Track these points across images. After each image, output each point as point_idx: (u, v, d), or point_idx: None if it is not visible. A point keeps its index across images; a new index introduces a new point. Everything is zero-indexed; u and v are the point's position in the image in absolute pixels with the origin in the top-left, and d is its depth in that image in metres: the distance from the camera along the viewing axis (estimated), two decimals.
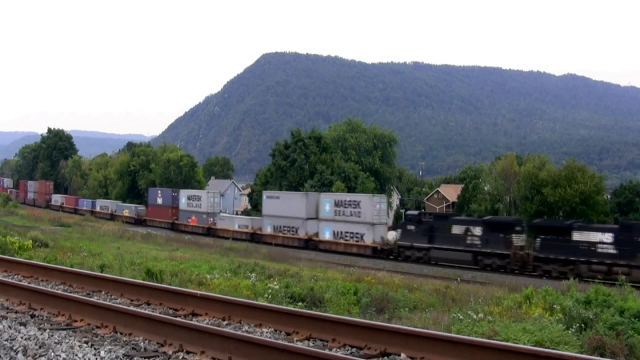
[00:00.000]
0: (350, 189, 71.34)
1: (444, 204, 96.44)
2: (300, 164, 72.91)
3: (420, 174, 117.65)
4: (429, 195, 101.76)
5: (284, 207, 53.93)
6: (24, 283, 11.91)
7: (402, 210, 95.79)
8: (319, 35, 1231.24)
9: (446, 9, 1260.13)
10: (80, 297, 9.81)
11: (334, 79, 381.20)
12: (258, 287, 19.45)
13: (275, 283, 19.76)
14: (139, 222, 73.20)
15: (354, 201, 49.03)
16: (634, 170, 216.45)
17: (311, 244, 50.88)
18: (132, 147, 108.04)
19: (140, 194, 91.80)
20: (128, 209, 78.67)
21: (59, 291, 10.92)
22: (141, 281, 12.79)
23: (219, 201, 66.59)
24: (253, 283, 20.57)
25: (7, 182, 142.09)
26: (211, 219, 62.54)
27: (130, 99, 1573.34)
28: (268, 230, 55.18)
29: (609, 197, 69.73)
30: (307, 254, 47.79)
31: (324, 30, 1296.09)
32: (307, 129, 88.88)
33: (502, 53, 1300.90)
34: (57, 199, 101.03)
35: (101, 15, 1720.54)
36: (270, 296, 17.46)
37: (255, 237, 55.74)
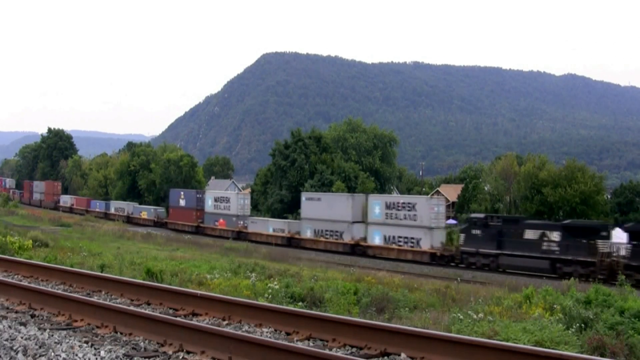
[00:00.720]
0: (350, 189, 71.34)
1: (444, 204, 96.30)
2: (301, 163, 72.91)
3: (420, 173, 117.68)
4: (429, 195, 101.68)
5: (327, 209, 50.27)
6: (24, 283, 11.91)
7: None
8: (319, 35, 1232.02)
9: (446, 9, 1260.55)
10: (81, 297, 9.81)
11: (334, 79, 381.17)
12: (258, 287, 19.45)
13: (275, 283, 19.76)
14: (159, 225, 69.77)
15: (409, 203, 45.30)
16: (634, 170, 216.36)
17: (358, 249, 47.38)
18: (132, 147, 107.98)
19: (140, 194, 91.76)
20: (147, 212, 75.15)
21: (59, 291, 10.92)
22: (141, 281, 12.79)
23: (249, 203, 63.09)
24: (253, 283, 20.57)
25: (10, 182, 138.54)
26: (241, 222, 58.90)
27: (131, 98, 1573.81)
28: (308, 234, 51.71)
29: (609, 197, 69.75)
30: (308, 254, 47.68)
31: (324, 30, 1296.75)
32: (307, 128, 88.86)
33: (502, 53, 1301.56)
34: (66, 200, 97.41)
35: (101, 15, 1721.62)
36: (270, 296, 17.47)
37: (292, 242, 52.47)
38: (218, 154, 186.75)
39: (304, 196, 54.66)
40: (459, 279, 31.59)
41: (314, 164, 73.18)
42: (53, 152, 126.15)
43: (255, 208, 78.97)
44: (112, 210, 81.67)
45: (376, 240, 46.63)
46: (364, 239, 47.74)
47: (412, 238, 44.13)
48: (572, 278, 26.02)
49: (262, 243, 52.93)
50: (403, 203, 45.73)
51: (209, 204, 62.72)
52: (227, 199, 61.28)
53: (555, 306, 17.66)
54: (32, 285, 11.59)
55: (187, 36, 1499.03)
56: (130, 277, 15.51)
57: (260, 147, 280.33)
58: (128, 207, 79.95)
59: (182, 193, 69.02)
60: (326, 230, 50.22)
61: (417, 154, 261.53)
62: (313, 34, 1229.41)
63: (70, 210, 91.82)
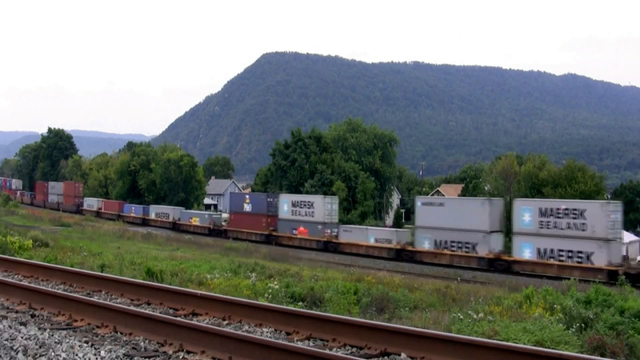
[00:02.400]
0: (351, 189, 71.42)
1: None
2: (301, 163, 72.92)
3: (421, 173, 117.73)
4: (429, 195, 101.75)
5: (453, 216, 42.71)
6: (24, 283, 11.91)
7: (402, 210, 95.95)
8: (319, 35, 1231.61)
9: (446, 9, 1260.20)
10: (81, 296, 9.81)
11: (334, 79, 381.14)
12: (258, 287, 19.45)
13: (275, 283, 19.78)
14: (215, 233, 61.62)
15: (575, 210, 37.39)
16: (634, 170, 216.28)
17: (499, 264, 39.87)
18: (132, 147, 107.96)
19: (140, 194, 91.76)
20: (199, 217, 67.23)
21: (59, 291, 10.92)
22: (141, 281, 12.78)
23: (337, 208, 54.31)
24: (253, 283, 20.58)
25: (16, 183, 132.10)
26: (329, 231, 51.34)
27: (131, 98, 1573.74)
28: (425, 246, 43.95)
29: (609, 197, 69.72)
30: (308, 253, 47.61)
31: (324, 30, 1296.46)
32: (308, 128, 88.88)
33: (502, 53, 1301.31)
34: (91, 203, 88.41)
35: (102, 15, 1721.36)
36: (270, 296, 17.47)
37: (403, 255, 44.90)
38: (218, 153, 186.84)
39: (419, 201, 46.79)
40: (459, 278, 31.58)
41: (314, 164, 73.19)
42: (53, 152, 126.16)
43: None
44: (153, 216, 73.55)
45: (526, 254, 39.04)
46: (508, 252, 40.61)
47: (580, 252, 36.68)
48: (572, 278, 26.00)
49: (359, 256, 46.02)
50: (566, 209, 37.84)
51: (285, 209, 55.05)
52: (310, 203, 53.28)
53: (555, 306, 17.67)
54: (33, 285, 11.59)
55: (187, 36, 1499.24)
56: (130, 277, 15.51)
57: (260, 147, 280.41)
58: (174, 212, 71.38)
59: (247, 197, 61.38)
60: (452, 242, 42.49)
61: (417, 153, 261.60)
62: (313, 34, 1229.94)
63: (98, 214, 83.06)
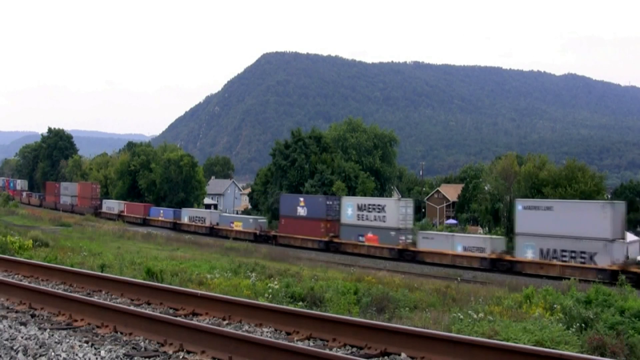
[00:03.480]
0: (351, 189, 71.35)
1: (445, 204, 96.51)
2: (301, 163, 72.89)
3: (421, 173, 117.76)
4: (430, 195, 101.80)
5: (564, 222, 37.78)
6: (25, 283, 11.90)
7: None
8: (319, 35, 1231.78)
9: (446, 9, 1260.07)
10: (81, 296, 9.81)
11: (334, 79, 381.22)
12: (258, 287, 19.46)
13: (275, 283, 19.78)
14: (263, 239, 56.63)
15: None
16: (634, 170, 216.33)
17: (629, 277, 33.07)
18: (132, 147, 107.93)
19: (140, 194, 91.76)
20: (242, 221, 61.57)
21: (60, 291, 10.91)
22: (141, 281, 12.79)
23: (412, 212, 49.31)
24: (253, 283, 20.58)
25: (21, 183, 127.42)
26: (404, 237, 46.43)
27: (131, 98, 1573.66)
28: (528, 255, 39.13)
29: (609, 196, 69.78)
30: (308, 253, 47.58)
31: (324, 30, 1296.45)
32: (308, 128, 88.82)
33: (502, 53, 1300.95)
34: (112, 205, 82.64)
35: (102, 15, 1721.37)
36: (270, 296, 17.47)
37: (500, 266, 40.09)
38: (218, 153, 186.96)
39: (519, 204, 41.47)
40: (459, 278, 31.60)
41: (314, 164, 73.16)
42: (53, 151, 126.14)
43: (256, 208, 79.02)
44: (186, 220, 67.99)
45: None
46: (637, 263, 36.29)
47: None
48: (572, 278, 25.99)
49: (443, 266, 41.71)
50: None
51: (349, 213, 49.77)
52: (381, 206, 47.90)
53: (555, 306, 17.67)
54: (33, 285, 11.58)
55: (188, 36, 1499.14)
56: (130, 277, 15.52)
57: (260, 147, 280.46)
58: (211, 215, 66.10)
59: (301, 199, 55.38)
60: (563, 251, 37.74)
61: (417, 153, 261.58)
62: (313, 34, 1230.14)
63: (119, 218, 77.17)
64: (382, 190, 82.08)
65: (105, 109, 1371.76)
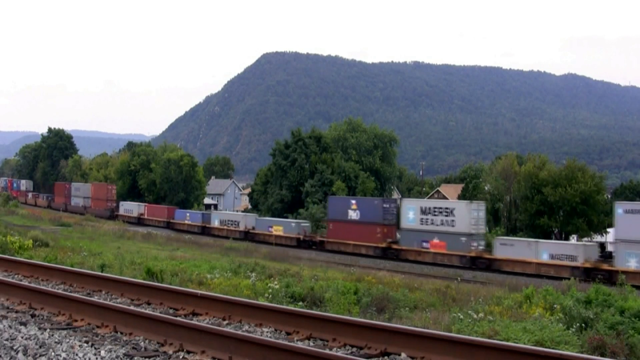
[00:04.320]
0: (351, 189, 71.39)
1: None
2: (301, 163, 72.95)
3: (421, 173, 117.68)
4: (430, 195, 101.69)
5: None
6: (25, 283, 11.91)
7: None
8: (319, 35, 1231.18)
9: (446, 9, 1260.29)
10: (81, 296, 9.81)
11: (334, 79, 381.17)
12: (258, 287, 19.47)
13: (275, 283, 19.79)
14: (308, 244, 53.06)
15: None
16: (634, 170, 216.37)
17: None
18: (132, 147, 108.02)
19: (140, 194, 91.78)
20: (282, 225, 56.89)
21: (60, 291, 10.92)
22: (141, 281, 12.79)
23: (484, 217, 45.29)
24: (253, 283, 20.59)
25: (26, 184, 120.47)
26: (476, 244, 42.60)
27: (131, 98, 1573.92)
28: (631, 265, 35.07)
29: (609, 196, 69.76)
30: (308, 253, 47.55)
31: (324, 30, 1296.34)
32: (308, 128, 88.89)
33: (502, 53, 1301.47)
34: (130, 207, 77.94)
35: (102, 14, 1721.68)
36: (270, 296, 17.48)
37: (595, 276, 35.44)
38: (218, 153, 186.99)
39: (620, 208, 37.14)
40: (459, 278, 31.60)
41: (314, 164, 73.21)
42: (53, 151, 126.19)
43: (256, 208, 79.04)
44: (216, 223, 63.38)
45: None
46: None
47: None
48: (572, 278, 25.97)
49: (525, 276, 37.37)
50: None
51: (410, 217, 45.88)
52: (449, 210, 43.97)
53: (555, 306, 17.68)
54: (33, 285, 11.59)
55: (188, 36, 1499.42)
56: (130, 277, 15.52)
57: (260, 147, 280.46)
58: (246, 219, 61.23)
59: (353, 202, 51.17)
60: None
61: (418, 153, 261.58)
62: (313, 34, 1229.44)
63: (139, 221, 72.75)
64: (382, 190, 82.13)
65: (105, 109, 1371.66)
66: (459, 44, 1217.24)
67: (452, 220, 43.21)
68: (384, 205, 48.42)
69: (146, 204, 78.75)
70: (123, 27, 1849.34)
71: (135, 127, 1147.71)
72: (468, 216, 42.83)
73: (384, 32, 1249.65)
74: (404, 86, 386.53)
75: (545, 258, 39.14)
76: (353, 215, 49.54)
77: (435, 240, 44.08)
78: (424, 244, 44.69)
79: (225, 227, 61.93)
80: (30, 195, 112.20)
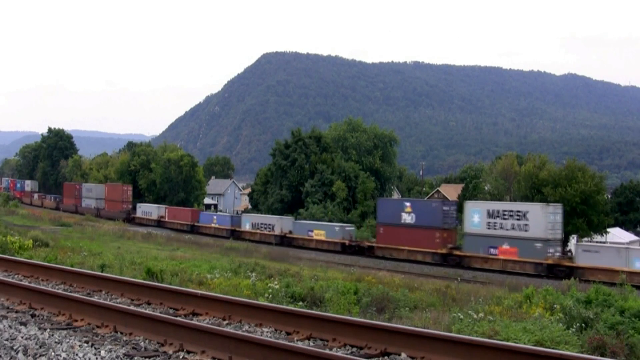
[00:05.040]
0: (351, 189, 71.41)
1: None
2: (301, 163, 72.96)
3: (421, 173, 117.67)
4: (430, 195, 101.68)
5: None
6: (25, 283, 11.91)
7: None
8: (319, 35, 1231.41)
9: (446, 9, 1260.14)
10: (81, 296, 9.81)
11: (334, 79, 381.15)
12: (258, 287, 19.47)
13: (275, 283, 19.79)
14: (354, 250, 49.25)
15: None
16: (634, 170, 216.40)
17: None
18: (132, 147, 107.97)
19: (140, 194, 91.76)
20: (325, 230, 52.52)
21: (60, 291, 10.92)
22: (141, 281, 12.80)
23: (561, 220, 41.51)
24: (253, 283, 20.60)
25: (32, 184, 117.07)
26: (552, 250, 39.21)
27: (131, 98, 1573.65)
28: None
29: (609, 196, 69.78)
30: (308, 253, 47.51)
31: (324, 30, 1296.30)
32: (308, 128, 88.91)
33: (502, 53, 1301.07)
34: (149, 209, 74.10)
35: (102, 14, 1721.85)
36: (270, 296, 17.49)
37: None
38: (218, 153, 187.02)
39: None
40: (459, 278, 31.61)
41: (314, 164, 73.22)
42: (53, 151, 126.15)
43: (256, 208, 79.06)
44: (247, 227, 59.83)
45: None
46: None
47: None
48: (572, 278, 25.97)
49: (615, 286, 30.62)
50: None
51: (475, 221, 42.29)
52: (522, 213, 40.18)
53: (555, 306, 17.68)
54: (33, 285, 11.59)
55: (188, 36, 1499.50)
56: (130, 277, 15.52)
57: (260, 147, 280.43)
58: (282, 222, 57.08)
59: (407, 204, 47.07)
60: None
61: (418, 153, 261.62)
62: (313, 34, 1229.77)
63: (159, 225, 69.03)
64: (382, 190, 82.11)
65: (105, 109, 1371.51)
66: (459, 44, 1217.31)
67: (525, 225, 39.61)
68: (444, 208, 44.68)
69: (167, 206, 75.35)
70: (123, 27, 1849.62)
71: (135, 127, 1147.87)
72: (544, 220, 39.27)
73: (384, 32, 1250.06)
74: (404, 86, 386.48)
75: (638, 267, 35.56)
76: (407, 218, 45.54)
77: (505, 246, 40.38)
78: (492, 250, 40.98)
79: (258, 230, 58.43)
80: (36, 196, 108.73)
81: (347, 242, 50.20)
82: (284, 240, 55.26)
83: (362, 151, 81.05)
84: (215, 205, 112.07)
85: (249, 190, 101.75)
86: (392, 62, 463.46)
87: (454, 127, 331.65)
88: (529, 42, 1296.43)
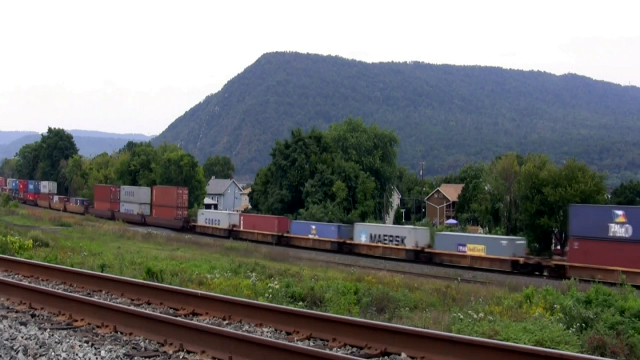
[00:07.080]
0: (351, 189, 71.43)
1: (445, 204, 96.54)
2: (301, 163, 72.97)
3: (421, 173, 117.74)
4: (430, 195, 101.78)
5: None
6: (25, 283, 11.91)
7: (402, 210, 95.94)
8: (319, 35, 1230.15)
9: (446, 9, 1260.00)
10: (81, 296, 9.81)
11: (334, 79, 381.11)
12: (258, 287, 19.47)
13: (275, 283, 19.78)
14: (532, 269, 39.76)
15: None
16: (634, 169, 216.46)
17: None
18: (132, 147, 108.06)
19: None
20: (485, 244, 42.01)
21: (60, 291, 10.92)
22: (141, 281, 12.80)
23: None
24: (253, 283, 20.59)
25: (50, 185, 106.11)
26: None
27: (131, 98, 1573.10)
28: None
29: (609, 196, 69.84)
30: (308, 253, 47.50)
31: (324, 30, 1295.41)
32: (308, 128, 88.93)
33: (502, 53, 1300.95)
34: (217, 217, 63.70)
35: (102, 15, 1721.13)
36: (270, 296, 17.48)
37: None
38: (218, 153, 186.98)
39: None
40: (459, 278, 31.60)
41: (314, 164, 73.24)
42: (53, 151, 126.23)
43: (256, 208, 79.08)
44: (363, 239, 49.18)
45: None
46: None
47: None
48: (572, 278, 25.95)
49: None
50: None
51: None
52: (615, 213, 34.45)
53: (555, 306, 17.68)
54: (33, 285, 11.59)
55: (187, 36, 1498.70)
56: (130, 277, 15.52)
57: (260, 147, 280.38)
58: (416, 234, 46.53)
59: (619, 213, 36.72)
60: None
61: (418, 153, 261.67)
62: (313, 34, 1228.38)
63: (231, 235, 57.53)
64: (382, 190, 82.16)
65: (105, 109, 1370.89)
66: (459, 44, 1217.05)
67: (623, 229, 33.22)
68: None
69: (241, 212, 65.10)
70: (123, 28, 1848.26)
71: (135, 127, 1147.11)
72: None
73: (384, 32, 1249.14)
74: (404, 86, 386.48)
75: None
76: (619, 231, 35.63)
77: None
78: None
79: (379, 244, 47.44)
80: (56, 198, 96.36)
81: (520, 260, 39.98)
82: (420, 257, 44.69)
83: (362, 151, 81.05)
84: (215, 205, 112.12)
85: (249, 190, 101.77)
86: (392, 62, 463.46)
87: (454, 127, 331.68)
88: (529, 42, 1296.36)
